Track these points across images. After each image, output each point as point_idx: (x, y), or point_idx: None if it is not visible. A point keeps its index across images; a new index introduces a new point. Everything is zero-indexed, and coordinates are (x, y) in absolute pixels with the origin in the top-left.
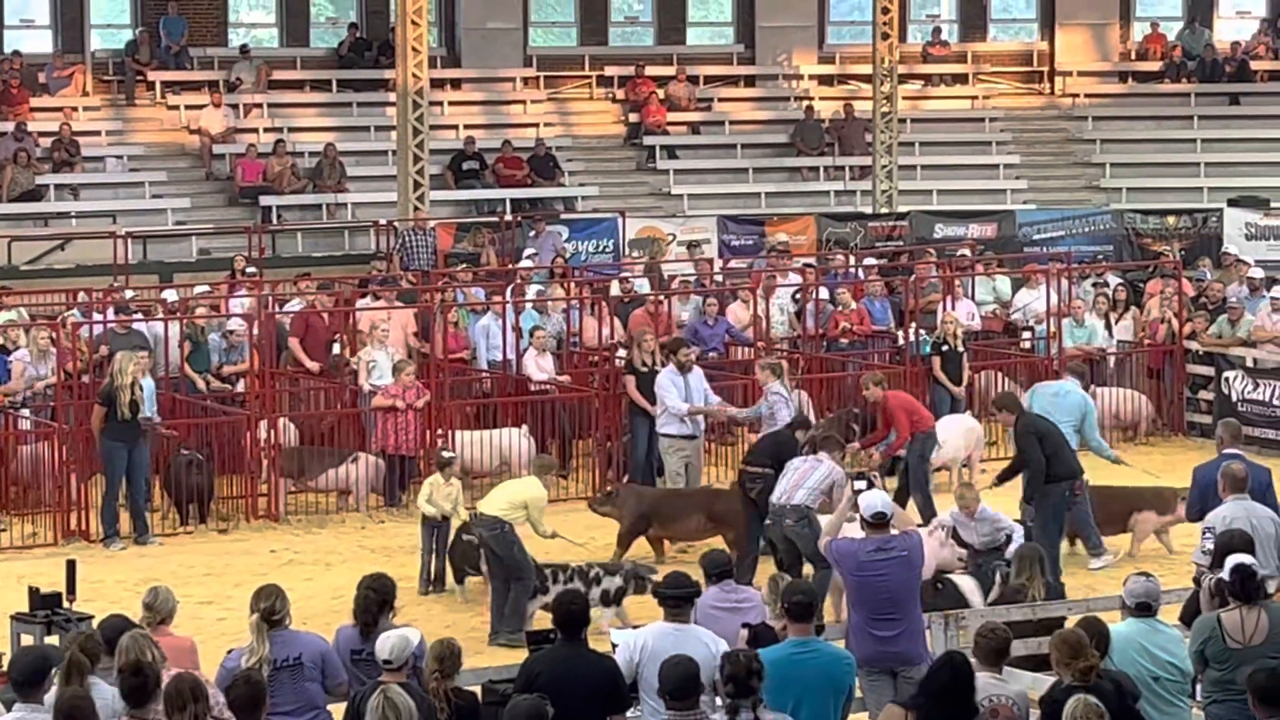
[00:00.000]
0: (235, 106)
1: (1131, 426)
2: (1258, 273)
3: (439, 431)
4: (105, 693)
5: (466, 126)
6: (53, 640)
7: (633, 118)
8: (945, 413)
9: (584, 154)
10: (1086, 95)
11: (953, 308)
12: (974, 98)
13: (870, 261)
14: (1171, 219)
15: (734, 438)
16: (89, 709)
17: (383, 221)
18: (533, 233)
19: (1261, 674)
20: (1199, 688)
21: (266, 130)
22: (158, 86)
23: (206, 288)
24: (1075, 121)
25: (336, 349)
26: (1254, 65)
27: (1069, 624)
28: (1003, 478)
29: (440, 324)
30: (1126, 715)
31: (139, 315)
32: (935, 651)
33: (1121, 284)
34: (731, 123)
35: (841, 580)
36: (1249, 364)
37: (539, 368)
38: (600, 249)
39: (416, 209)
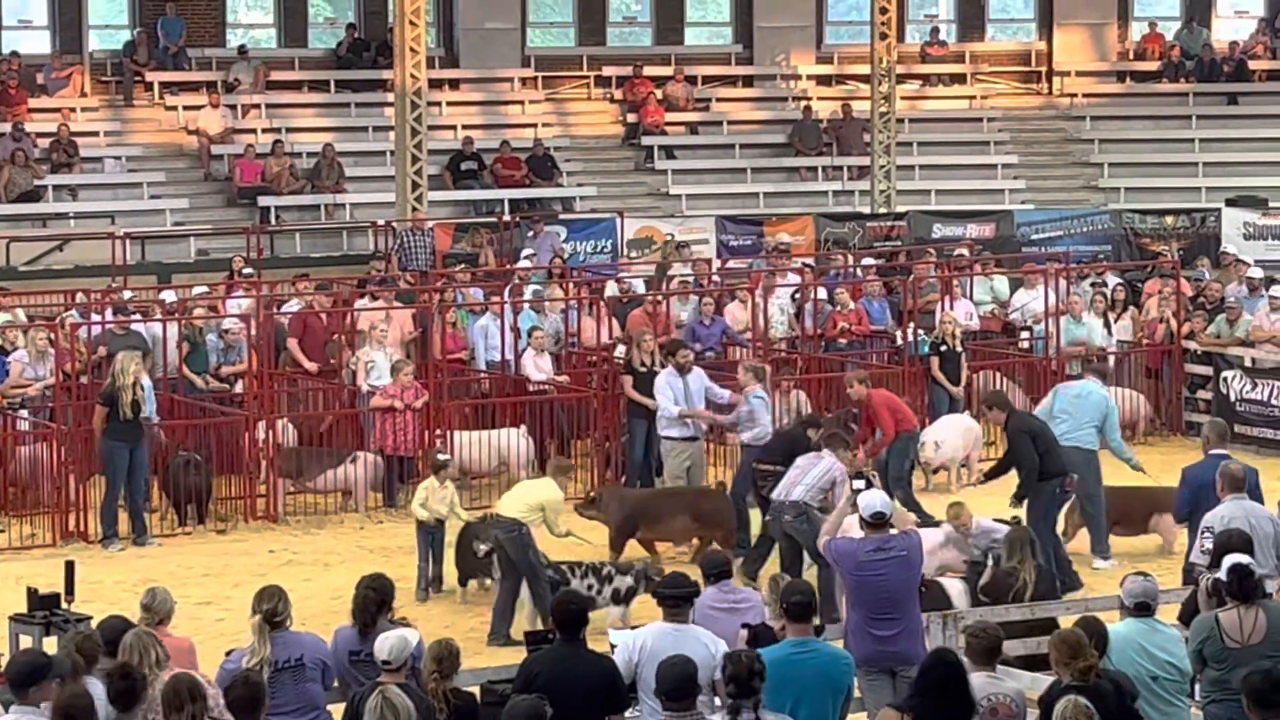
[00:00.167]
0: (233, 107)
1: (1130, 426)
2: (1257, 272)
3: (437, 432)
4: (100, 694)
5: (465, 127)
6: (51, 641)
7: (631, 118)
8: (944, 413)
9: (582, 154)
10: (1084, 95)
11: (951, 308)
12: (972, 98)
13: (869, 261)
14: (1170, 219)
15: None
16: (88, 708)
17: (381, 222)
18: (531, 233)
19: (1256, 676)
20: (1198, 687)
21: (265, 131)
22: (156, 87)
23: (205, 288)
24: (1073, 121)
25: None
26: (1252, 65)
27: (1065, 624)
28: (990, 476)
29: (439, 324)
30: (1126, 715)
31: (137, 316)
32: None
33: (1120, 284)
34: (730, 123)
35: (840, 579)
36: (1247, 364)
37: (537, 368)
38: (599, 249)
39: (415, 209)
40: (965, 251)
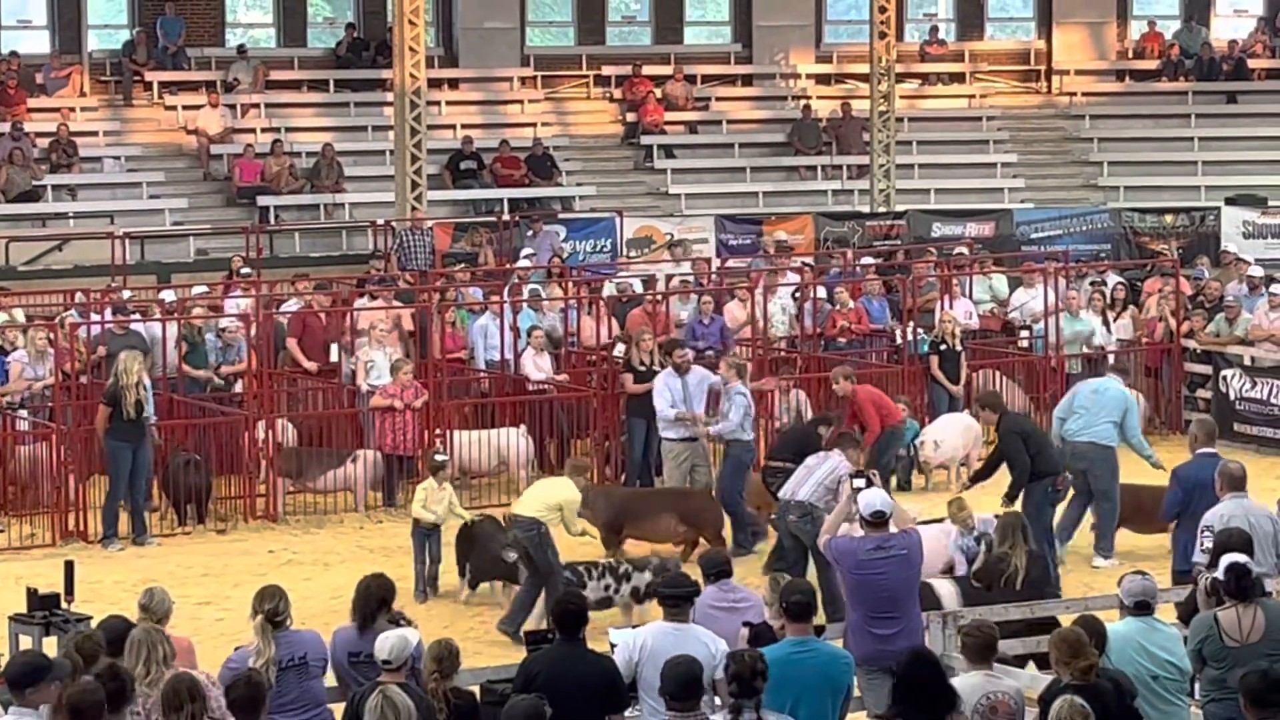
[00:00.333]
0: (233, 107)
1: None
2: (1257, 271)
3: (437, 431)
4: None
5: (464, 126)
6: (51, 641)
7: (630, 117)
8: (943, 411)
9: (581, 153)
10: (1084, 94)
11: (950, 307)
12: (971, 96)
13: (868, 260)
14: (1169, 217)
15: None
16: (98, 703)
17: (380, 221)
18: (530, 232)
19: (1253, 676)
20: (1198, 686)
21: (264, 130)
22: (155, 87)
23: (205, 288)
24: (1073, 120)
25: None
26: (1251, 64)
27: (1064, 622)
28: (976, 479)
29: (438, 324)
30: (1125, 714)
31: (136, 316)
32: (934, 651)
33: (1121, 283)
34: (729, 122)
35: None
36: (1247, 362)
37: (537, 367)
38: (598, 249)
39: (414, 209)
40: (965, 250)
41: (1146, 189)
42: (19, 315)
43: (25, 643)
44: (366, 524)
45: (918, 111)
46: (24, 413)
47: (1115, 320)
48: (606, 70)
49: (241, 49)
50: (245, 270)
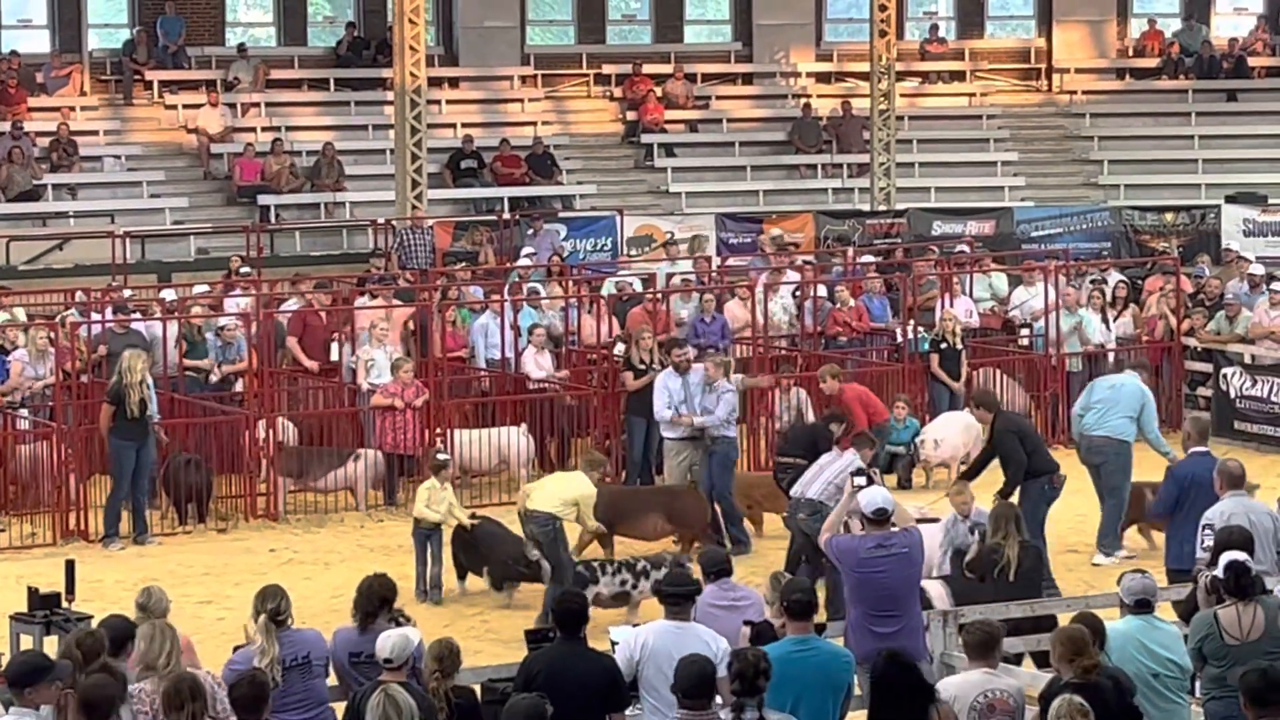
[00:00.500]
0: (233, 106)
1: None
2: (1258, 269)
3: (438, 430)
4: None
5: (464, 125)
6: (52, 641)
7: (630, 116)
8: (944, 410)
9: (582, 152)
10: (1084, 92)
11: (951, 305)
12: (971, 95)
13: (868, 259)
14: (1169, 216)
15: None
16: (110, 698)
17: (381, 220)
18: (531, 231)
19: (1253, 674)
20: (1198, 685)
21: (264, 129)
22: (155, 86)
23: (205, 287)
24: (1073, 118)
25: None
26: (1251, 62)
27: (1062, 621)
28: (967, 476)
29: (439, 323)
30: (1126, 712)
31: (137, 315)
32: (934, 650)
33: (1122, 281)
34: (729, 121)
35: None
36: (1247, 360)
37: (537, 365)
38: (598, 247)
39: (414, 208)
40: (966, 248)
41: (1147, 187)
42: (20, 314)
43: (26, 642)
44: (367, 523)
45: (918, 110)
46: (25, 412)
47: (1116, 319)
48: (607, 69)
49: (242, 48)
50: (245, 270)
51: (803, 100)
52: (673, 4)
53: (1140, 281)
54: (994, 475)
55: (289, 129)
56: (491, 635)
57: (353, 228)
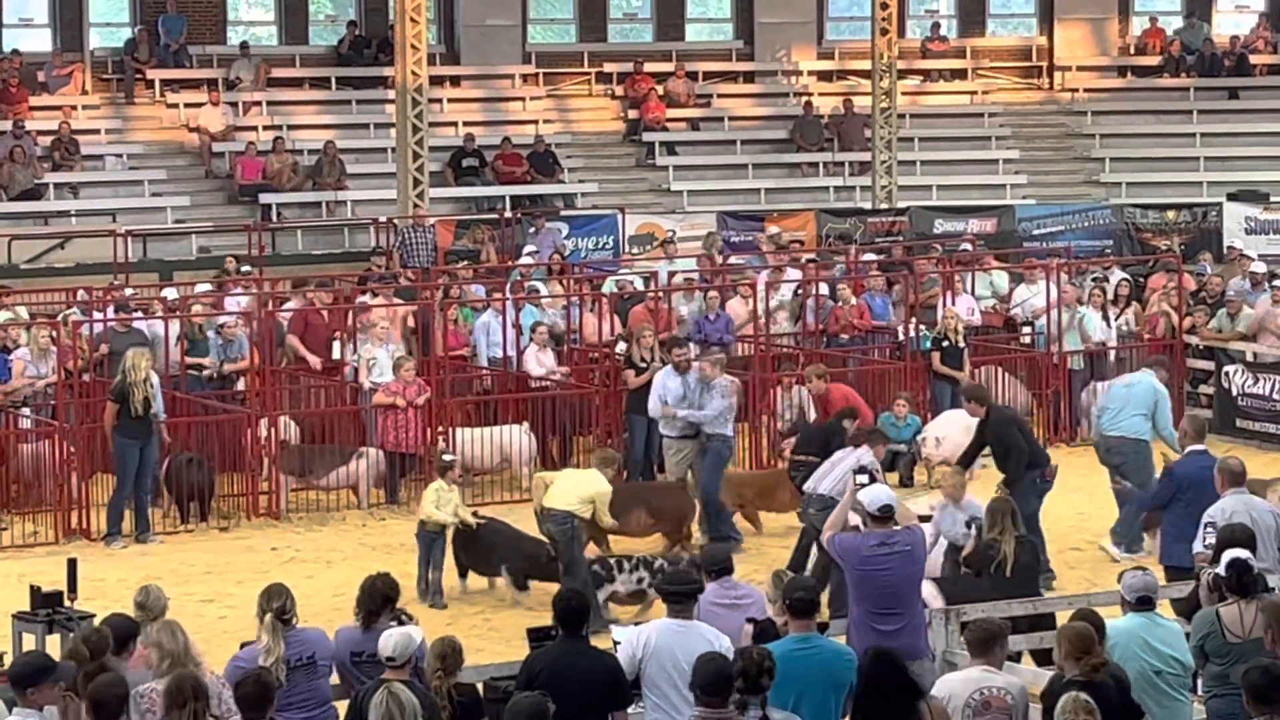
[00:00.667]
0: (234, 104)
1: None
2: (1260, 267)
3: (439, 429)
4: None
5: (466, 123)
6: (54, 639)
7: (632, 114)
8: (945, 408)
9: (583, 150)
10: (1085, 90)
11: (953, 303)
12: (973, 93)
13: (870, 257)
14: (1171, 213)
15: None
16: (121, 697)
17: (383, 219)
18: (532, 229)
19: (1255, 672)
20: (1200, 682)
21: (266, 128)
22: (157, 85)
23: (208, 286)
24: (1074, 116)
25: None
26: (1253, 59)
27: (1061, 618)
28: (961, 462)
29: (440, 321)
30: (1128, 710)
31: (139, 313)
32: (936, 647)
33: (1125, 279)
34: (731, 119)
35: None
36: (1249, 358)
37: (539, 363)
38: (600, 246)
39: (416, 206)
40: (969, 246)
41: (1148, 185)
42: (22, 313)
43: (28, 640)
44: (369, 521)
45: (919, 108)
46: (27, 411)
47: (1118, 317)
48: (608, 67)
49: (243, 46)
50: (245, 268)
51: (804, 98)
52: (674, 2)
53: (1142, 279)
54: (992, 473)
55: (290, 127)
56: (494, 633)
57: (354, 226)
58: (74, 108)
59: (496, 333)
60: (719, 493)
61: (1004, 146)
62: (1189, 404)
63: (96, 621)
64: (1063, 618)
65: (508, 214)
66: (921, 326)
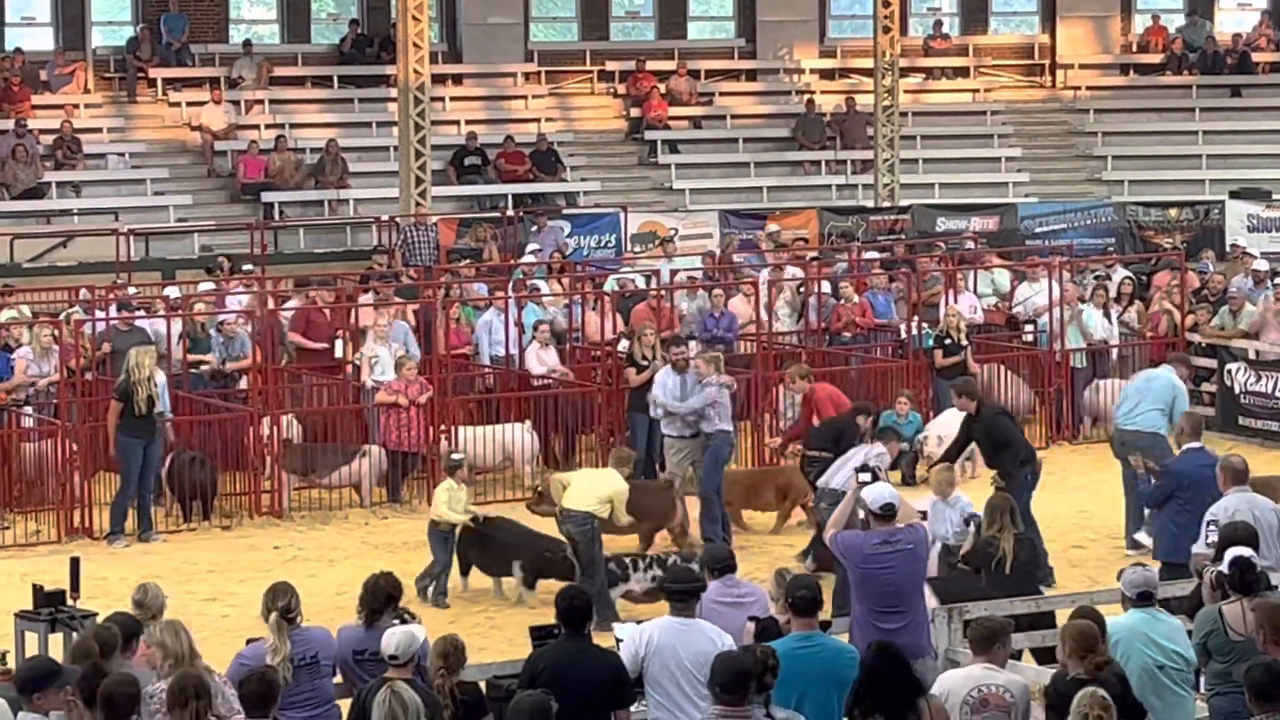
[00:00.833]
0: (237, 103)
1: None
2: (1262, 264)
3: (442, 427)
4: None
5: (468, 122)
6: (57, 638)
7: (634, 112)
8: (948, 405)
9: (586, 149)
10: (1088, 88)
11: (955, 301)
12: (975, 91)
13: (872, 255)
14: (1173, 211)
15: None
16: (133, 696)
17: (385, 217)
18: (535, 228)
19: (1258, 670)
20: (1202, 680)
21: (268, 127)
22: (159, 83)
23: (210, 284)
24: (1077, 114)
25: (339, 346)
26: (1255, 57)
27: (1062, 616)
28: (947, 457)
29: (442, 320)
30: (1132, 707)
31: (141, 312)
32: (938, 645)
33: (1128, 277)
34: (733, 117)
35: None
36: (1251, 356)
37: (540, 361)
38: (602, 244)
39: (418, 205)
40: (972, 244)
41: (1151, 183)
42: (24, 312)
43: (31, 639)
44: (372, 520)
45: (922, 106)
46: (29, 409)
47: (1120, 315)
48: (610, 66)
49: (246, 45)
50: (247, 266)
51: (806, 96)
52: (676, 1)
53: (1145, 277)
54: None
55: (293, 126)
56: (496, 632)
57: (356, 225)
58: (76, 106)
59: (499, 331)
60: (716, 491)
61: (1006, 144)
62: (1192, 402)
63: (98, 621)
64: (1063, 616)
65: (510, 212)
66: (924, 325)
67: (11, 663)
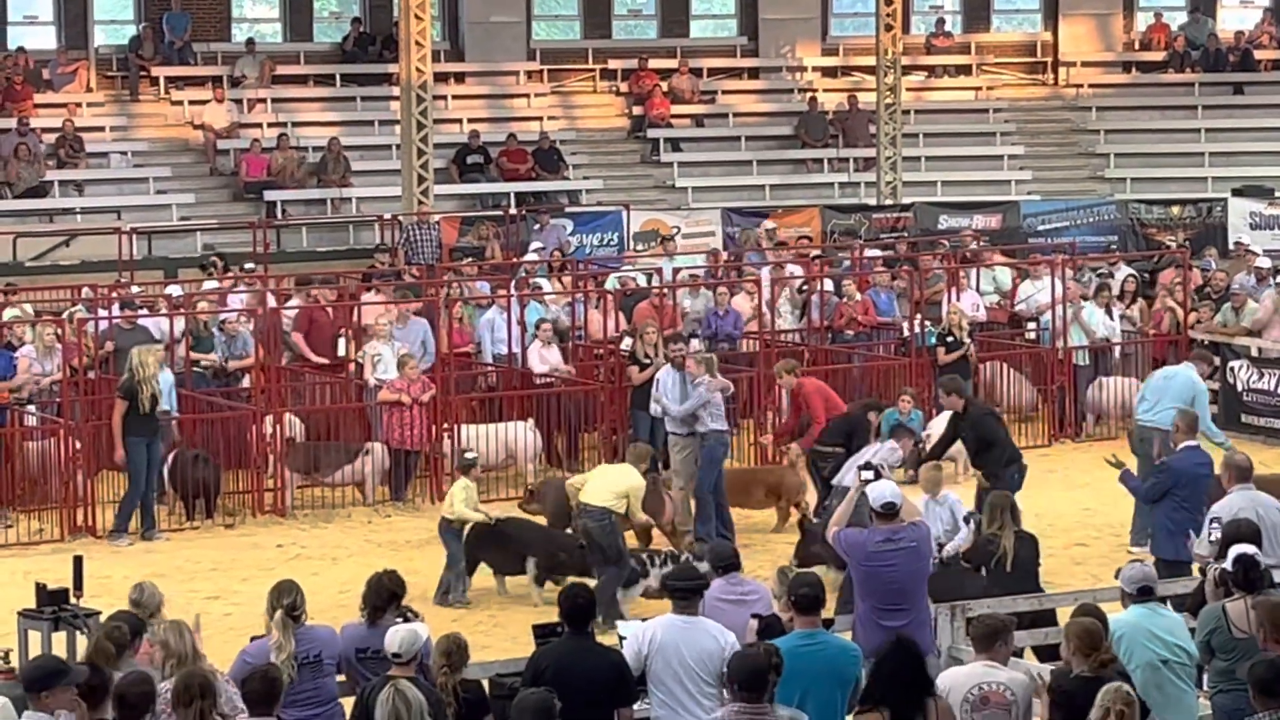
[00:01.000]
0: (239, 102)
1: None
2: (1265, 262)
3: (444, 426)
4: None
5: (470, 120)
6: (60, 637)
7: (636, 111)
8: None
9: (588, 147)
10: (1090, 86)
11: (957, 299)
12: (978, 89)
13: (874, 253)
14: (1176, 209)
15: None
16: (147, 694)
17: (387, 216)
18: (537, 226)
19: (1261, 666)
20: (1205, 677)
21: (270, 125)
22: (161, 82)
23: (214, 283)
24: (1079, 112)
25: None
26: (1258, 55)
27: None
28: (932, 455)
29: (445, 318)
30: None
31: (144, 310)
32: (941, 643)
33: (1131, 274)
34: (735, 115)
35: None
36: (1254, 353)
37: (542, 359)
38: (605, 242)
39: (421, 203)
40: (974, 242)
41: (1153, 180)
42: (27, 310)
43: (34, 638)
44: (375, 518)
45: (924, 104)
46: (32, 408)
47: (1126, 310)
48: (613, 64)
49: (248, 44)
50: (249, 265)
51: (809, 94)
52: None
53: (1148, 275)
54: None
55: (295, 125)
56: (499, 630)
57: (359, 223)
58: (79, 105)
59: (501, 329)
60: (711, 490)
61: (1008, 142)
62: None
63: (101, 619)
64: (1064, 614)
65: (512, 211)
66: (926, 322)
67: (15, 661)
